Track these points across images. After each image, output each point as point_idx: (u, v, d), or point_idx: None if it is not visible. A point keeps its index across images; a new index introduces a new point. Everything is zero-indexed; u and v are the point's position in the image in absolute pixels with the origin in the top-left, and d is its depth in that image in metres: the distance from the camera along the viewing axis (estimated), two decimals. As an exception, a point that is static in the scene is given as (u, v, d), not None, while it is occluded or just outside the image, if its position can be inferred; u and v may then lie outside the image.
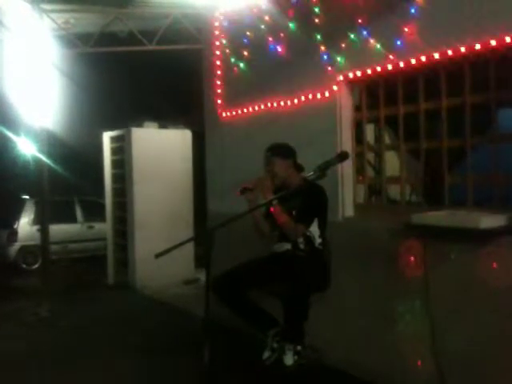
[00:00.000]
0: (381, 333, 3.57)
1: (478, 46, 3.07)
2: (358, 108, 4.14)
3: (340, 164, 3.71)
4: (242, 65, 5.12)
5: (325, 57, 4.11)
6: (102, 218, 8.28)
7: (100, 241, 9.06)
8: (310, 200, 3.28)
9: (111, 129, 7.69)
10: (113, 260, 7.66)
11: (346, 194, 4.13)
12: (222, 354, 2.87)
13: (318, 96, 4.22)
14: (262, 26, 4.76)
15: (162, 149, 7.25)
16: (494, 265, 2.92)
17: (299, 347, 3.21)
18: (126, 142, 7.17)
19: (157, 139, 7.28)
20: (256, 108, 4.94)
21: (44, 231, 6.27)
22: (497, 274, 2.90)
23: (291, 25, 4.39)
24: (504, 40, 2.94)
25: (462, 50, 3.16)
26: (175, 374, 3.78)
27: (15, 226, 9.95)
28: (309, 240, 3.33)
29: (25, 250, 9.83)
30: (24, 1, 5.95)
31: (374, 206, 4.16)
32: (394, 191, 4.14)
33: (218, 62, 5.50)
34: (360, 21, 3.78)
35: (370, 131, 4.40)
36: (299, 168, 3.47)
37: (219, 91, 5.50)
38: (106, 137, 7.73)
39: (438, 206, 3.51)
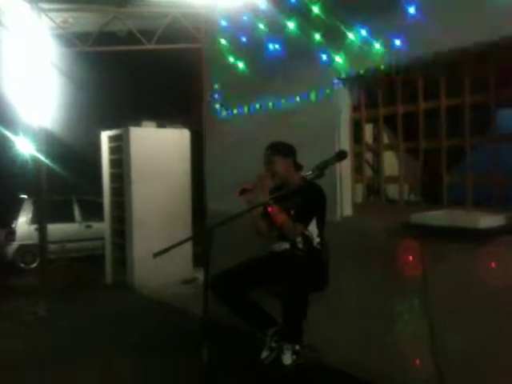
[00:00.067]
0: (380, 332, 3.57)
1: (477, 46, 3.07)
2: (356, 108, 4.14)
3: (338, 163, 3.71)
4: (240, 64, 5.11)
5: (323, 56, 4.10)
6: (100, 218, 8.28)
7: (98, 240, 9.04)
8: (309, 199, 3.28)
9: (109, 128, 7.68)
10: (111, 259, 7.65)
11: (345, 194, 4.13)
12: (220, 353, 2.86)
13: (317, 95, 4.22)
14: (261, 26, 4.76)
15: (160, 148, 7.25)
16: (493, 264, 2.92)
17: (298, 347, 3.21)
18: (124, 141, 7.17)
19: (155, 138, 7.28)
20: (254, 107, 4.94)
21: (42, 230, 6.26)
22: (496, 273, 2.91)
23: (290, 24, 4.38)
24: (504, 39, 2.94)
25: (462, 49, 3.16)
26: (174, 374, 3.78)
27: (13, 226, 9.95)
28: (307, 239, 3.33)
29: (23, 249, 9.83)
30: (22, 0, 5.93)
31: (372, 206, 4.16)
32: (392, 191, 4.14)
33: (217, 62, 5.49)
34: (359, 20, 3.78)
35: (368, 131, 4.40)
36: (298, 167, 3.47)
37: (218, 90, 5.49)
38: (104, 136, 7.72)
39: (437, 205, 3.51)
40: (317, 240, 3.36)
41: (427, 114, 3.61)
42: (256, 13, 4.82)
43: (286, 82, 4.51)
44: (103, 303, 6.29)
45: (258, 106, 4.89)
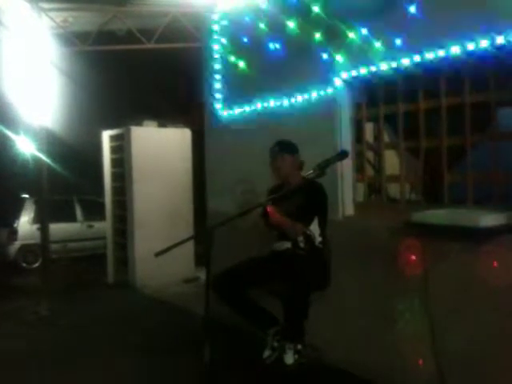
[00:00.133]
0: (380, 332, 3.57)
1: (477, 45, 3.07)
2: (357, 106, 4.13)
3: (340, 162, 3.71)
4: (241, 64, 5.11)
5: (324, 55, 4.10)
6: (102, 217, 8.28)
7: (100, 240, 9.05)
8: (310, 198, 3.28)
9: (111, 127, 7.68)
10: (112, 259, 7.65)
11: (346, 193, 4.12)
12: (222, 352, 2.88)
13: (318, 95, 4.21)
14: (262, 25, 4.75)
15: (161, 147, 7.25)
16: (494, 263, 2.92)
17: (300, 346, 3.21)
18: (125, 140, 7.17)
19: (156, 138, 7.28)
20: (255, 107, 4.93)
21: (44, 230, 6.27)
22: (497, 272, 2.90)
23: (290, 24, 4.38)
24: (504, 38, 2.94)
25: (462, 48, 3.15)
26: (175, 373, 3.78)
27: (15, 225, 9.96)
28: (309, 239, 3.33)
29: (25, 248, 9.84)
30: (23, -1, 5.94)
31: (373, 205, 4.16)
32: (393, 190, 4.14)
33: (217, 61, 5.49)
34: (359, 19, 3.77)
35: (369, 130, 4.40)
36: (300, 166, 3.48)
37: (218, 90, 5.49)
38: (106, 135, 7.72)
39: (438, 204, 3.51)
40: (318, 239, 3.36)
41: (428, 112, 3.61)
42: (256, 12, 4.81)
43: (287, 80, 4.50)
44: (105, 303, 6.29)
45: (258, 105, 4.88)
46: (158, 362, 4.03)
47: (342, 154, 3.02)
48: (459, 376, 3.08)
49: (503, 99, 3.26)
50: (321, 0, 4.08)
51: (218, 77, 5.49)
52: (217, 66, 5.49)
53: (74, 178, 10.63)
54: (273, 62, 4.64)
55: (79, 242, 10.31)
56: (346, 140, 4.10)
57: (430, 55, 3.33)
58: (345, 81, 4.04)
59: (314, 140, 4.06)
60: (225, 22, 5.39)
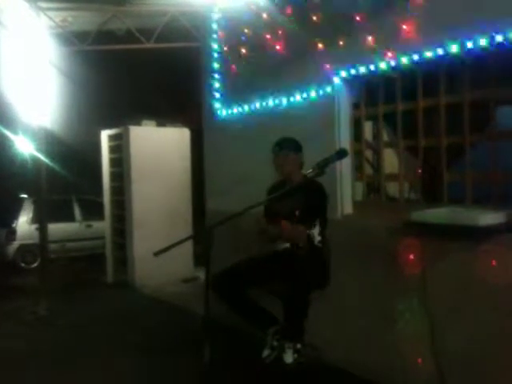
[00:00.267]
0: (380, 331, 3.57)
1: (476, 43, 3.07)
2: (356, 105, 4.13)
3: (339, 161, 3.70)
4: (239, 63, 5.11)
5: (323, 54, 4.10)
6: (101, 217, 8.27)
7: (98, 239, 9.04)
8: (311, 199, 3.27)
9: (109, 127, 7.67)
10: (111, 258, 7.65)
11: (345, 192, 4.12)
12: (221, 352, 2.87)
13: (317, 93, 4.21)
14: (260, 24, 4.75)
15: (160, 147, 7.25)
16: (494, 262, 2.92)
17: (299, 345, 3.21)
18: (124, 140, 7.16)
19: (155, 137, 7.27)
20: (254, 106, 4.93)
21: (42, 230, 6.27)
22: (496, 271, 2.90)
23: (289, 22, 4.37)
24: (503, 37, 2.94)
25: (461, 47, 3.15)
26: (175, 373, 3.78)
27: (14, 225, 9.95)
28: (308, 238, 3.32)
29: (23, 248, 9.83)
30: (21, -1, 5.93)
31: (372, 204, 4.16)
32: (392, 189, 4.14)
33: (216, 60, 5.49)
34: (358, 18, 3.77)
35: (368, 128, 4.39)
36: (301, 165, 3.48)
37: (217, 89, 5.49)
38: (104, 135, 7.71)
39: (437, 203, 3.51)
40: (318, 238, 3.35)
41: (426, 111, 3.61)
42: (255, 11, 4.81)
43: (286, 80, 4.50)
44: (104, 302, 6.29)
45: (257, 104, 4.88)
46: (158, 362, 4.03)
47: (342, 153, 3.01)
48: (459, 375, 3.07)
49: (502, 98, 3.26)
50: (320, -1, 4.09)
51: (216, 76, 5.49)
52: (216, 65, 5.49)
53: (72, 177, 10.63)
54: (272, 60, 4.64)
55: (78, 241, 10.29)
56: (344, 139, 4.10)
57: (428, 54, 3.33)
58: (344, 80, 4.04)
59: (312, 139, 4.05)
60: (224, 21, 5.39)
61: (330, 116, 4.11)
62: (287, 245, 3.38)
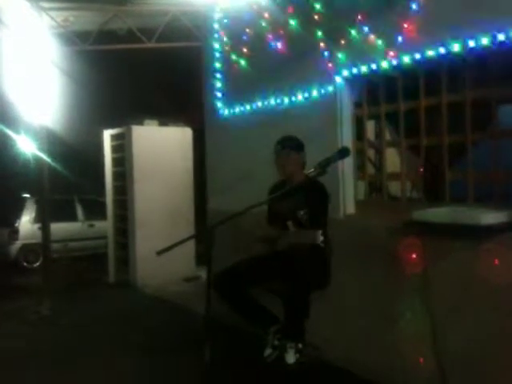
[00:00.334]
0: (381, 331, 3.57)
1: (478, 42, 3.06)
2: (358, 104, 4.13)
3: (341, 161, 3.70)
4: (241, 62, 5.10)
5: (325, 53, 4.09)
6: (103, 217, 8.28)
7: (100, 239, 9.06)
8: (313, 200, 3.26)
9: (111, 127, 7.68)
10: (113, 258, 7.66)
11: (347, 191, 4.12)
12: (223, 351, 2.87)
13: (319, 93, 4.21)
14: (262, 23, 4.75)
15: (162, 147, 7.25)
16: (495, 262, 2.91)
17: (301, 345, 3.20)
18: (126, 139, 7.17)
19: (157, 137, 7.28)
20: (256, 105, 4.93)
21: (45, 229, 6.27)
22: (498, 270, 2.89)
23: (291, 21, 4.37)
24: (505, 36, 2.93)
25: (463, 45, 3.14)
26: (176, 372, 3.78)
27: (16, 225, 9.97)
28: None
29: (26, 248, 9.85)
30: (23, -1, 5.94)
31: (374, 203, 4.16)
32: (394, 188, 4.14)
33: (218, 60, 5.49)
34: (360, 17, 3.77)
35: (370, 128, 4.39)
36: (303, 164, 3.47)
37: (219, 89, 5.49)
38: (107, 135, 7.72)
39: (439, 202, 3.50)
40: (321, 238, 3.35)
41: (428, 110, 3.60)
42: (257, 10, 4.81)
43: (288, 79, 4.50)
44: (106, 302, 6.30)
45: (259, 104, 4.88)
46: (159, 361, 4.03)
47: (344, 152, 3.01)
48: (460, 375, 3.07)
49: (504, 97, 3.25)
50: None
51: (218, 75, 5.49)
52: (217, 65, 5.49)
53: (74, 177, 10.64)
54: (273, 60, 4.64)
55: (80, 241, 10.32)
56: (346, 138, 4.09)
57: (430, 53, 3.33)
58: (346, 79, 4.04)
59: (314, 138, 4.05)
60: (225, 21, 5.38)
61: (331, 115, 4.11)
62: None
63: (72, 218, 10.56)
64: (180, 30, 6.83)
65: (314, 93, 4.24)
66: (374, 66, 3.73)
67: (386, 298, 3.52)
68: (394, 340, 3.43)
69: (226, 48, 5.37)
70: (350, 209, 4.13)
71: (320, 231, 3.24)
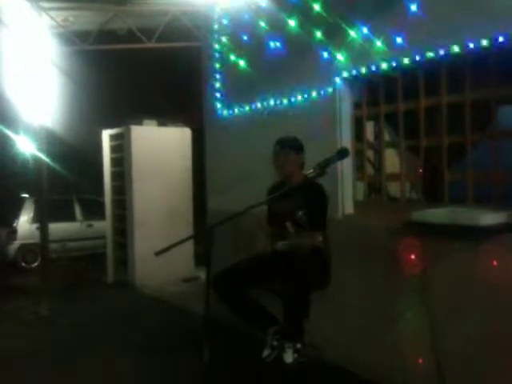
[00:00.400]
0: (380, 331, 3.57)
1: (478, 43, 3.06)
2: (357, 105, 4.13)
3: (340, 161, 3.70)
4: (241, 62, 5.10)
5: (324, 54, 4.10)
6: (101, 217, 8.27)
7: (99, 239, 9.04)
8: (315, 202, 3.26)
9: (110, 127, 7.68)
10: (112, 258, 7.65)
11: (346, 192, 4.12)
12: (221, 351, 2.86)
13: (318, 93, 4.21)
14: (262, 24, 4.75)
15: (161, 147, 7.25)
16: (494, 262, 2.91)
17: (299, 345, 3.20)
18: (125, 139, 7.17)
19: (156, 137, 7.28)
20: (255, 106, 4.93)
21: (43, 229, 6.26)
22: (497, 271, 2.90)
23: (291, 22, 4.37)
24: (504, 37, 2.93)
25: (462, 46, 3.15)
26: (175, 372, 3.78)
27: (14, 225, 9.95)
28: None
29: (24, 248, 9.83)
30: (23, -2, 5.94)
31: (373, 204, 4.16)
32: (393, 188, 4.14)
33: (217, 60, 5.49)
34: (360, 18, 3.77)
35: (369, 128, 4.39)
36: (302, 165, 3.47)
37: (218, 89, 5.49)
38: (106, 135, 7.72)
39: (438, 203, 3.50)
40: (320, 239, 3.34)
41: (428, 111, 3.60)
42: (257, 11, 4.81)
43: (287, 80, 4.50)
44: (104, 302, 6.29)
45: (258, 104, 4.88)
46: (158, 362, 4.03)
47: (343, 153, 3.00)
48: (459, 375, 3.07)
49: (503, 97, 3.26)
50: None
51: (218, 76, 5.49)
52: (217, 65, 5.49)
53: (73, 177, 10.63)
54: (273, 60, 4.64)
55: (79, 241, 10.30)
56: (346, 139, 4.09)
57: (430, 53, 3.33)
58: (345, 79, 4.04)
59: (313, 139, 4.04)
60: (225, 21, 5.39)
61: (331, 116, 4.11)
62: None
63: (70, 217, 10.54)
64: (180, 30, 6.82)
65: (314, 93, 4.24)
66: (373, 67, 3.73)
67: (386, 298, 3.53)
68: (393, 340, 3.43)
69: (226, 48, 5.37)
70: (349, 209, 4.13)
71: (320, 232, 3.24)
